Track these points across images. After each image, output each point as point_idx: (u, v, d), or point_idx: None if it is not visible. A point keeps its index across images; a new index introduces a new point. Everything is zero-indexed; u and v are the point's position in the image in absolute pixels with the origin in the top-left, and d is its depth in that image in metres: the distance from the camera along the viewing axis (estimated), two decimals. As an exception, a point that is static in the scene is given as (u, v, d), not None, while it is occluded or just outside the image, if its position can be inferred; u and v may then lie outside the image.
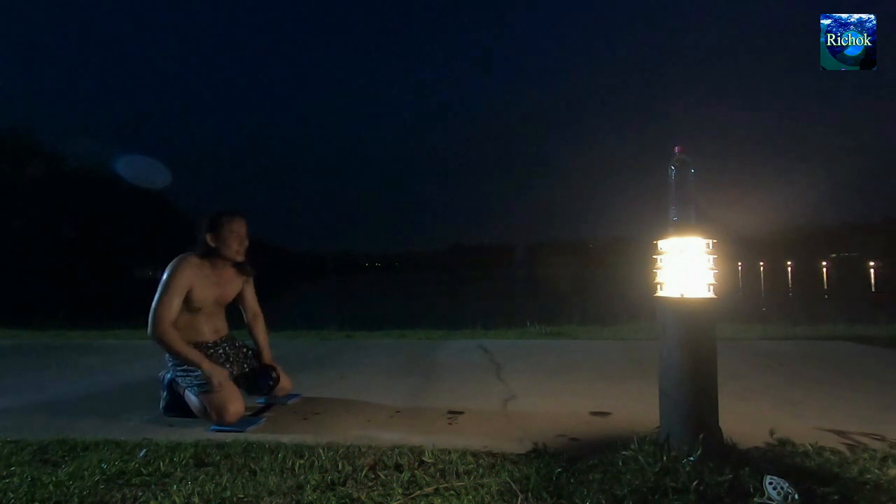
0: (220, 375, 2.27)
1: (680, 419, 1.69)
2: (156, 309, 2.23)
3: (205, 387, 2.25)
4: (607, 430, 2.10)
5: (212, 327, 2.47)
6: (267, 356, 2.59)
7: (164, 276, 2.30)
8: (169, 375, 2.46)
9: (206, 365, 2.27)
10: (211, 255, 2.40)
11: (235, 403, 2.24)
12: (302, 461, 1.76)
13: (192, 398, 2.33)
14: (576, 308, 7.86)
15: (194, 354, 2.27)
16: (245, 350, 2.57)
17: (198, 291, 2.34)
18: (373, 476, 1.66)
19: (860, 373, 3.16)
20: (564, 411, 2.37)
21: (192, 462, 1.78)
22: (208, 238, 2.38)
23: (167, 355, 2.36)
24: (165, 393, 2.44)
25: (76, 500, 1.53)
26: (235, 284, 2.54)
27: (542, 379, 3.04)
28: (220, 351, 2.46)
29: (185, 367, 2.31)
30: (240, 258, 2.45)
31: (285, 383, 2.58)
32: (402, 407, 2.49)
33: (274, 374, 2.49)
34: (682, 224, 1.74)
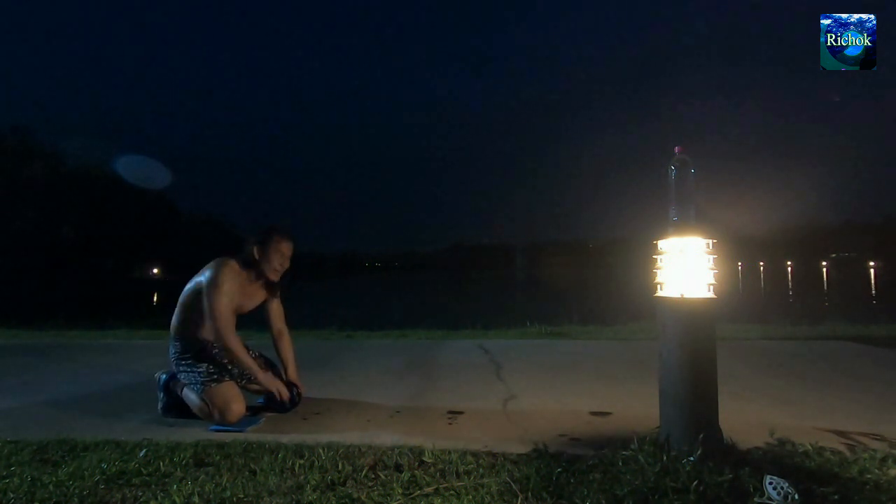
0: (278, 385, 2.39)
1: (680, 419, 1.69)
2: (218, 318, 2.27)
3: (208, 384, 2.27)
4: (607, 430, 2.10)
5: None
6: (292, 373, 2.57)
7: (212, 279, 2.31)
8: (164, 377, 2.46)
9: (262, 376, 2.37)
10: (250, 266, 2.42)
11: (238, 403, 2.26)
12: (302, 461, 1.76)
13: (191, 397, 2.33)
14: (576, 308, 7.85)
15: (252, 364, 2.35)
16: (249, 352, 2.56)
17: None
18: (373, 476, 1.66)
19: (860, 373, 3.16)
20: (564, 411, 2.38)
21: (192, 462, 1.78)
22: (255, 250, 2.40)
23: (171, 351, 2.37)
24: (162, 394, 2.44)
25: (76, 500, 1.53)
26: (257, 299, 2.54)
27: (542, 379, 3.04)
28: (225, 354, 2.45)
29: (190, 362, 2.32)
30: (276, 277, 2.47)
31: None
32: (402, 407, 2.50)
33: (296, 392, 2.47)
34: (682, 224, 1.74)
